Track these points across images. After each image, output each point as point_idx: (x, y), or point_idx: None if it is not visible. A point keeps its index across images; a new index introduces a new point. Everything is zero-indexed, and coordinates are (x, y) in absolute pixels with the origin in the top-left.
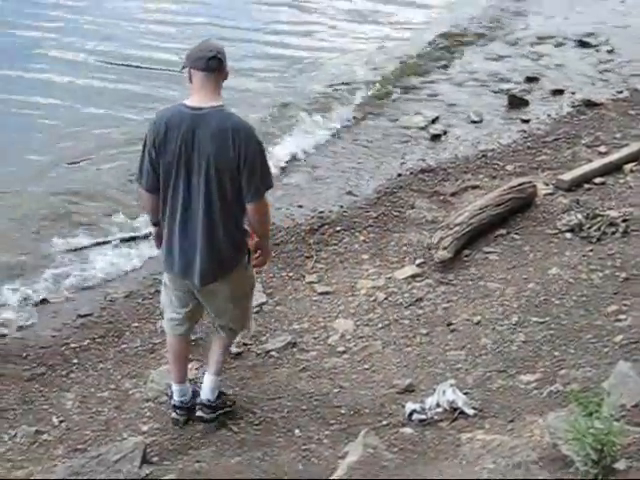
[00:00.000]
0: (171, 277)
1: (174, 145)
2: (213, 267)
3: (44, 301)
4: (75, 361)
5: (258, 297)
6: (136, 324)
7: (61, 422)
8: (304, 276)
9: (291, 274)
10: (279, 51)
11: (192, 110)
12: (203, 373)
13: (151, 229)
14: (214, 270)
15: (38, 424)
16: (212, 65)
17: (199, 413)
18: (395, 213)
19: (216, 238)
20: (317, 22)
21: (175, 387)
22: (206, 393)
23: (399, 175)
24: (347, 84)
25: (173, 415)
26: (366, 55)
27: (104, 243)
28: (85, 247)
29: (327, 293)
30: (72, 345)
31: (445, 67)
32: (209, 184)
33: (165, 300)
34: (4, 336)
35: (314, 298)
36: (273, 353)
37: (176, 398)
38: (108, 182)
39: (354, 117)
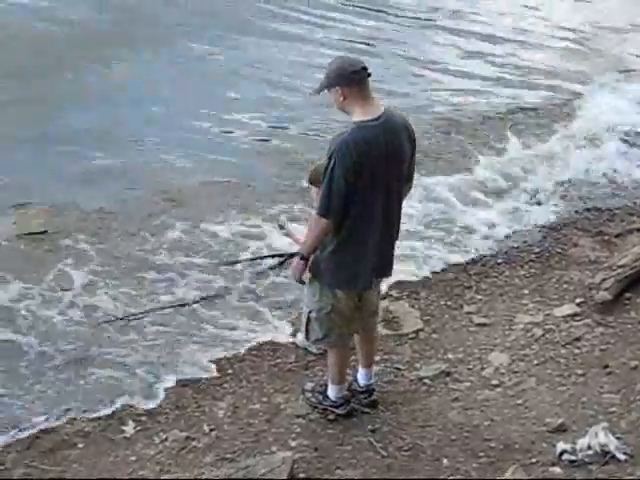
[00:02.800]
0: (346, 294)
1: (377, 160)
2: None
3: None
4: (230, 371)
5: (415, 323)
6: (291, 340)
7: (212, 430)
8: (462, 306)
9: (449, 303)
10: None
11: (376, 121)
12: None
13: (297, 262)
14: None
15: (189, 430)
16: (367, 73)
17: (370, 398)
18: (558, 250)
19: (396, 233)
20: None
21: (338, 387)
22: (368, 379)
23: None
24: None
25: (337, 411)
26: None
27: None
28: None
29: (484, 325)
30: (228, 355)
31: None
32: (400, 182)
33: (332, 322)
34: None
35: (471, 329)
36: (426, 381)
37: (339, 395)
38: None
39: None
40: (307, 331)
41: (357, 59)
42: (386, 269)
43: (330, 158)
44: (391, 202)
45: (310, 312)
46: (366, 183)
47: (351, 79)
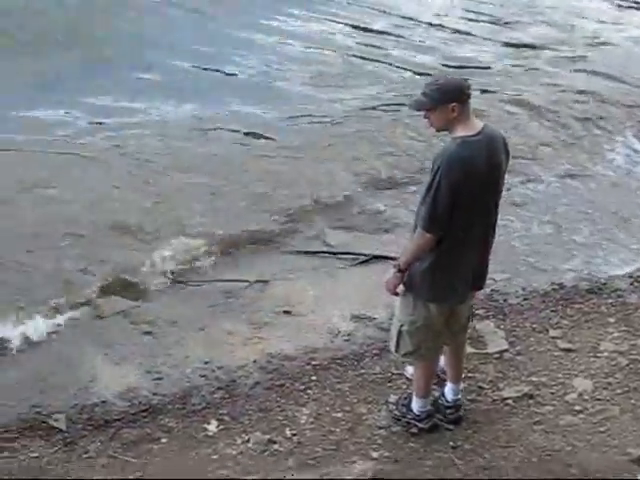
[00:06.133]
0: (439, 308)
1: (480, 176)
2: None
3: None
4: (314, 378)
5: (500, 343)
6: (376, 351)
7: (294, 435)
8: (548, 330)
9: (535, 325)
10: None
11: (477, 136)
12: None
13: (394, 275)
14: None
15: (272, 433)
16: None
17: (457, 414)
18: None
19: (491, 246)
20: None
21: (423, 401)
22: (456, 394)
23: None
24: None
25: (420, 425)
26: None
27: None
28: None
29: (569, 350)
30: (313, 362)
31: None
32: (498, 197)
33: (423, 336)
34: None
35: (555, 353)
36: (509, 402)
37: (423, 409)
38: None
39: None
40: (397, 344)
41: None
42: (481, 281)
43: (436, 173)
44: (489, 217)
45: (402, 325)
46: (468, 199)
47: (466, 96)
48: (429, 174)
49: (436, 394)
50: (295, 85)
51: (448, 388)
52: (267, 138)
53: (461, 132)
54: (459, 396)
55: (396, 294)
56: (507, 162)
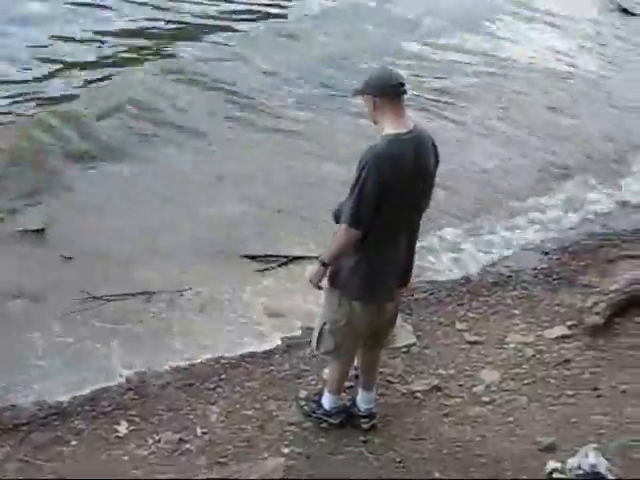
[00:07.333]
0: (363, 307)
1: (407, 175)
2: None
3: None
4: (223, 376)
5: (407, 337)
6: (285, 348)
7: (204, 434)
8: (454, 323)
9: (442, 319)
10: None
11: (407, 135)
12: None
13: (318, 269)
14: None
15: (182, 432)
16: (404, 90)
17: (371, 422)
18: (550, 273)
19: (415, 249)
20: None
21: (333, 397)
22: (369, 402)
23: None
24: None
25: (331, 421)
26: None
27: None
28: None
29: (476, 342)
30: (222, 361)
31: None
32: (424, 198)
33: (344, 335)
34: None
35: (462, 346)
36: (418, 395)
37: (333, 405)
38: None
39: None
40: (318, 342)
41: (398, 73)
42: (406, 279)
43: (362, 169)
44: (415, 216)
45: (324, 324)
46: (394, 196)
47: (386, 91)
48: (356, 169)
49: (348, 403)
50: None
51: (361, 396)
52: None
53: (390, 129)
54: (372, 405)
55: (319, 288)
56: (437, 165)
